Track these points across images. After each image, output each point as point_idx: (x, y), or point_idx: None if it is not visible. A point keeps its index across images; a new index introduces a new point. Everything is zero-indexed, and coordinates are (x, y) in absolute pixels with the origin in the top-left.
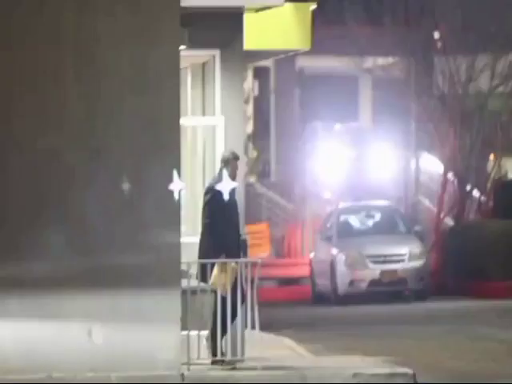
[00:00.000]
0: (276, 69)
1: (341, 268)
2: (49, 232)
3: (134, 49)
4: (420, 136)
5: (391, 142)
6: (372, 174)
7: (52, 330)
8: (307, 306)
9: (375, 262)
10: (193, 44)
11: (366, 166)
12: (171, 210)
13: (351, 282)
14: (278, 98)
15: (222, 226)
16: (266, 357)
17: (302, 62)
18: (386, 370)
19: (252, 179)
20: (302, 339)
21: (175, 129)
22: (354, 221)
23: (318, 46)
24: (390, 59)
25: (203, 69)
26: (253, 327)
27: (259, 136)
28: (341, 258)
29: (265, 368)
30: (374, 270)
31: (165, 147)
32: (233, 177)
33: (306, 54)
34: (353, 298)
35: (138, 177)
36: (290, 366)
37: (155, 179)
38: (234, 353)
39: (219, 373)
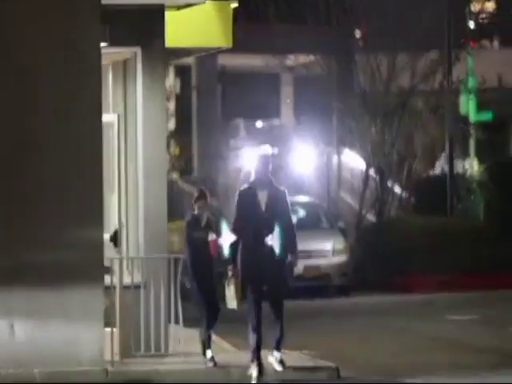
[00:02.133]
0: (198, 66)
1: None
2: None
3: (54, 46)
4: (342, 133)
5: (313, 139)
6: (294, 170)
7: None
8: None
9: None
10: (114, 41)
11: (288, 163)
12: (94, 207)
13: None
14: (200, 96)
15: None
16: (190, 352)
17: (223, 60)
18: (309, 363)
19: (175, 176)
20: (223, 334)
21: (96, 126)
22: None
23: (239, 44)
24: (312, 57)
25: (124, 66)
26: (176, 322)
27: (181, 133)
28: None
29: (188, 363)
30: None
31: (87, 144)
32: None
33: (227, 51)
34: None
35: (60, 175)
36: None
37: (77, 177)
38: (157, 347)
39: (142, 368)
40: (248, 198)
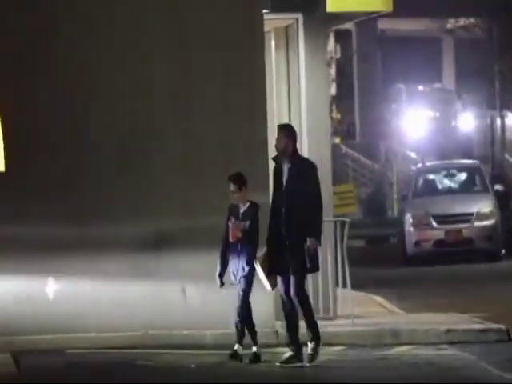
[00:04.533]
0: (358, 31)
1: (408, 228)
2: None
3: (216, 13)
4: (505, 96)
5: (475, 102)
6: (457, 133)
7: (148, 289)
8: (395, 265)
9: (440, 222)
10: (275, 7)
11: (450, 126)
12: (260, 172)
13: (417, 243)
14: (360, 61)
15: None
16: (358, 314)
17: (383, 25)
18: (479, 326)
19: (337, 140)
20: (391, 297)
21: (261, 92)
22: (432, 180)
23: (399, 8)
24: (472, 20)
25: (286, 32)
26: (344, 286)
27: (343, 98)
28: (408, 218)
29: (357, 325)
30: (438, 230)
31: (251, 109)
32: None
33: (387, 16)
34: (419, 258)
35: (222, 138)
36: (383, 323)
37: (241, 140)
38: (325, 311)
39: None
40: (274, 170)
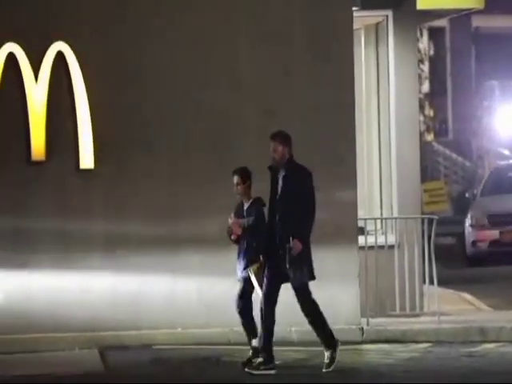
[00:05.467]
0: (451, 28)
1: (467, 228)
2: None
3: (306, 10)
4: None
5: None
6: None
7: (230, 284)
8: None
9: (495, 223)
10: (365, 5)
11: None
12: (348, 169)
13: (474, 243)
14: (453, 58)
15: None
16: (445, 312)
17: (477, 22)
18: None
19: (429, 138)
20: (478, 294)
21: (349, 89)
22: (503, 179)
23: (492, 5)
24: None
25: (376, 29)
26: (431, 282)
27: (436, 95)
28: (468, 218)
29: (443, 322)
30: (494, 231)
31: (339, 108)
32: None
33: (481, 13)
34: (477, 258)
35: (310, 136)
36: (470, 320)
37: (329, 139)
38: (412, 308)
39: (397, 327)
40: (271, 180)
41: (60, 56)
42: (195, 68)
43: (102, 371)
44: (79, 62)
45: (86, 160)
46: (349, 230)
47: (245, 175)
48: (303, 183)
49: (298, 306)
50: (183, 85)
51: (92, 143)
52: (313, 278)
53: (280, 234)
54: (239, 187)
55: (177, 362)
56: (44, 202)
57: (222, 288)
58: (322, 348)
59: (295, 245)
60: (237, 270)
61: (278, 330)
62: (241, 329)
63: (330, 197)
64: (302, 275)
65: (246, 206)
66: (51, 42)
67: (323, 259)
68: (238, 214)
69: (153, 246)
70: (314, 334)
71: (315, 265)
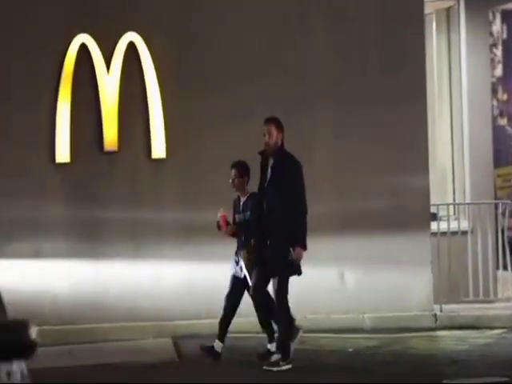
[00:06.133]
0: None
1: None
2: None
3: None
4: None
5: None
6: None
7: (306, 273)
8: None
9: None
10: None
11: None
12: (420, 154)
13: None
14: None
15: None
16: None
17: None
18: None
19: (502, 122)
20: None
21: (421, 75)
22: None
23: None
24: None
25: (448, 14)
26: (505, 268)
27: (509, 79)
28: None
29: None
30: None
31: (411, 94)
32: None
33: None
34: None
35: (382, 121)
36: None
37: (402, 124)
38: (485, 293)
39: (470, 313)
40: (260, 165)
41: (132, 46)
42: (267, 55)
43: (175, 360)
44: (151, 52)
45: (158, 149)
46: (421, 216)
47: (242, 169)
48: (292, 173)
49: (370, 293)
50: (256, 74)
51: (164, 132)
52: (300, 272)
53: (272, 231)
54: (236, 180)
55: (250, 350)
56: (117, 191)
57: (294, 276)
58: (395, 335)
59: (297, 253)
60: (233, 264)
61: (351, 318)
62: (313, 316)
63: (403, 183)
64: (287, 269)
65: (242, 201)
66: (123, 33)
67: (396, 246)
68: (235, 209)
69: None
70: (387, 321)
71: (388, 251)
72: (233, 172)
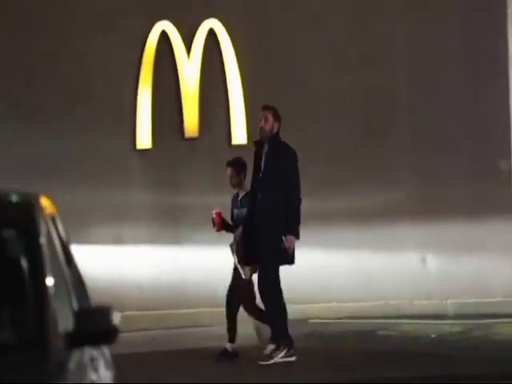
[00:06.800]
0: None
1: None
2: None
3: None
4: None
5: None
6: None
7: (385, 259)
8: None
9: None
10: None
11: None
12: (503, 139)
13: None
14: None
15: None
16: None
17: None
18: None
19: None
20: None
21: (503, 59)
22: None
23: None
24: None
25: None
26: None
27: None
28: None
29: None
30: None
31: (493, 79)
32: None
33: None
34: None
35: (466, 107)
36: None
37: (483, 109)
38: None
39: None
40: (255, 154)
41: (212, 33)
42: (349, 47)
43: (258, 345)
44: (231, 38)
45: (239, 136)
46: (506, 202)
47: (238, 167)
48: (288, 161)
49: (453, 279)
50: (338, 63)
51: (245, 119)
52: (292, 262)
53: (266, 220)
54: (233, 180)
55: (332, 336)
56: (198, 177)
57: (377, 261)
58: (479, 321)
59: (289, 241)
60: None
61: (433, 303)
62: (397, 302)
63: (487, 167)
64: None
65: (240, 196)
66: (203, 19)
67: (479, 231)
68: (234, 204)
69: (307, 220)
70: (470, 307)
71: (471, 236)
72: (229, 171)
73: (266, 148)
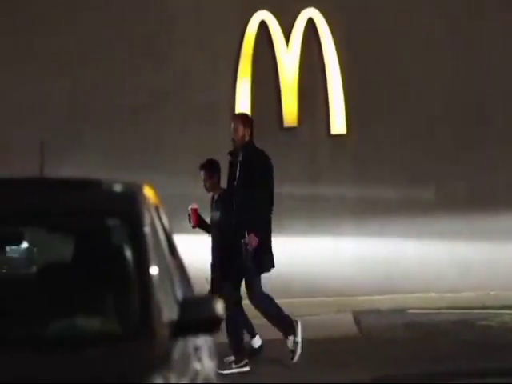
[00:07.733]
0: None
1: None
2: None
3: None
4: None
5: None
6: None
7: (486, 248)
8: None
9: None
10: None
11: None
12: None
13: None
14: None
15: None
16: None
17: None
18: None
19: None
20: None
21: None
22: None
23: None
24: None
25: None
26: None
27: None
28: None
29: None
30: None
31: None
32: None
33: None
34: None
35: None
36: None
37: None
38: None
39: None
40: (229, 164)
41: (311, 22)
42: (443, 37)
43: (357, 335)
44: (330, 28)
45: (338, 125)
46: None
47: (211, 170)
48: (260, 168)
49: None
50: (430, 51)
51: (344, 109)
52: (269, 269)
53: (237, 223)
54: (207, 183)
55: (430, 327)
56: (296, 167)
57: (476, 252)
58: None
59: (251, 239)
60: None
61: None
62: (496, 293)
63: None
64: (261, 266)
65: (215, 199)
66: (302, 9)
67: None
68: (211, 206)
69: (400, 211)
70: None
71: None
72: (202, 174)
73: (240, 156)
